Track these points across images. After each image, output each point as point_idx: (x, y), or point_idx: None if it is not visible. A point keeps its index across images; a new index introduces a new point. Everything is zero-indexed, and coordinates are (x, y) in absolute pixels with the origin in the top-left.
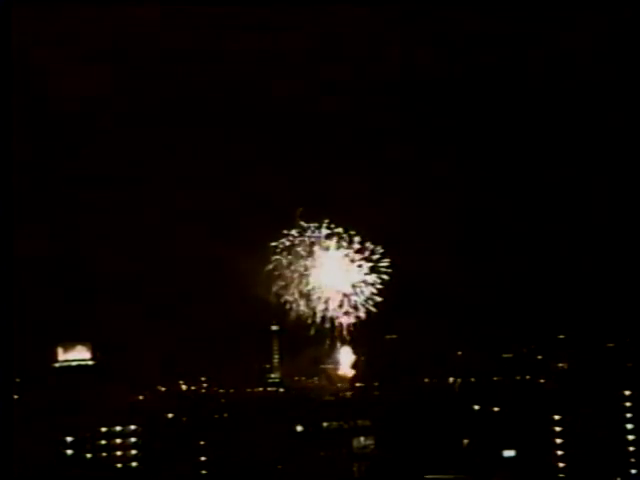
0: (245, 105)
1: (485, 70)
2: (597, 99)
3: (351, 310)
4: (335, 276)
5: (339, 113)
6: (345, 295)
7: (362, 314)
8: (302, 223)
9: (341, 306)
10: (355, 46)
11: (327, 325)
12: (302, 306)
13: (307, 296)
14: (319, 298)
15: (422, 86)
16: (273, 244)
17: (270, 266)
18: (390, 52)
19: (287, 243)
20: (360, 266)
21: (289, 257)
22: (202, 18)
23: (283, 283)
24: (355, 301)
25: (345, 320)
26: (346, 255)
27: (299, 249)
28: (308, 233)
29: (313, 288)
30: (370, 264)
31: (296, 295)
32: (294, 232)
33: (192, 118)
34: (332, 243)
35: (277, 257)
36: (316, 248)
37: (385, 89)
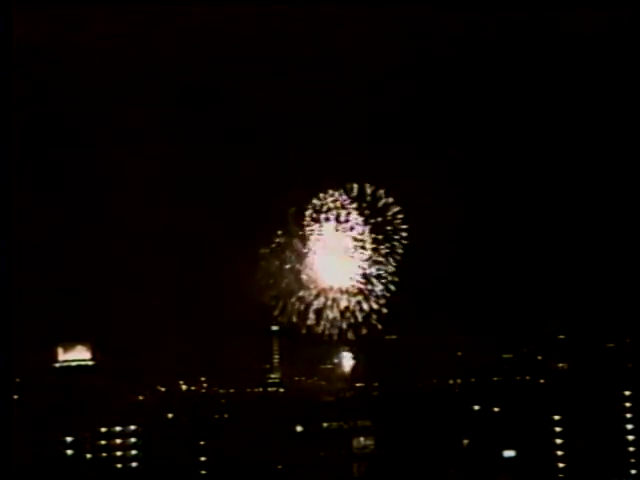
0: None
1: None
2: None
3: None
4: (333, 278)
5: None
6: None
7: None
8: (294, 226)
9: (340, 316)
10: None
11: (325, 329)
12: (294, 313)
13: (300, 301)
14: (311, 306)
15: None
16: (265, 249)
17: (263, 271)
18: (387, 50)
19: (278, 245)
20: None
21: (280, 261)
22: (198, 18)
23: (276, 291)
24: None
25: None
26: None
27: (290, 252)
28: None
29: (307, 294)
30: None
31: (288, 306)
32: (284, 234)
33: (190, 117)
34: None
35: (266, 262)
36: (311, 248)
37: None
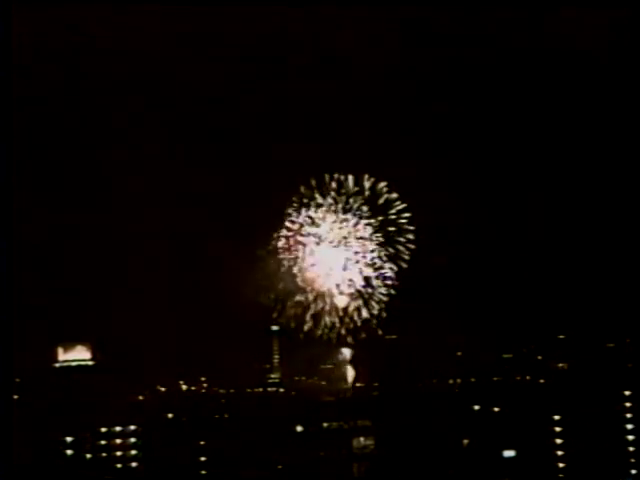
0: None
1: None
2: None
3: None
4: (328, 279)
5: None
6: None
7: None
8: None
9: (339, 321)
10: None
11: (324, 328)
12: (293, 316)
13: (299, 304)
14: (309, 309)
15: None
16: (263, 249)
17: (262, 271)
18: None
19: (276, 246)
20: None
21: (279, 261)
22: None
23: (275, 293)
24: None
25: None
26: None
27: (284, 253)
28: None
29: (305, 297)
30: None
31: (287, 308)
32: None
33: (188, 117)
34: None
35: (265, 263)
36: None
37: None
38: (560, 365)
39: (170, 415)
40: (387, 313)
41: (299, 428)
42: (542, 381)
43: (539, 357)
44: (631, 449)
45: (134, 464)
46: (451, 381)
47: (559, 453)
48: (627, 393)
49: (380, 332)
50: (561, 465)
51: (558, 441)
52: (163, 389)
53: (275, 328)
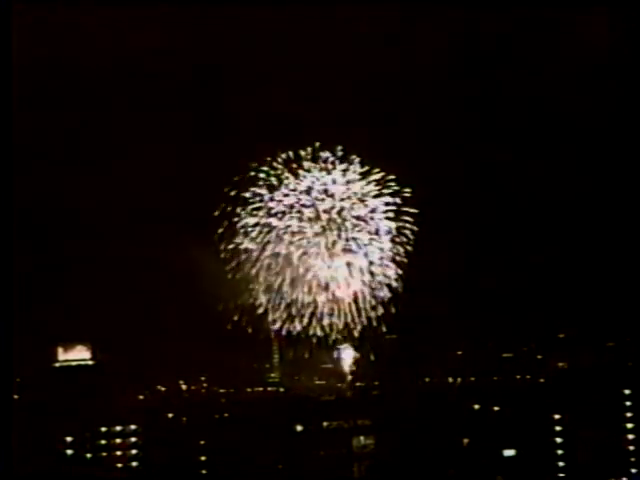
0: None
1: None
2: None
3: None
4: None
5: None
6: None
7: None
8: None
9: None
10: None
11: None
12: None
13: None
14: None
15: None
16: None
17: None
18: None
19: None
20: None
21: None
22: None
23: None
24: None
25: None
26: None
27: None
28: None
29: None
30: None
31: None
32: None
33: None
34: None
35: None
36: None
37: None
38: (560, 364)
39: (170, 415)
40: (387, 313)
41: (299, 428)
42: (542, 380)
43: (539, 356)
44: (631, 448)
45: (134, 464)
46: (451, 381)
47: (559, 452)
48: (627, 392)
49: (380, 332)
50: (561, 464)
51: (558, 440)
52: (163, 389)
53: (275, 328)
